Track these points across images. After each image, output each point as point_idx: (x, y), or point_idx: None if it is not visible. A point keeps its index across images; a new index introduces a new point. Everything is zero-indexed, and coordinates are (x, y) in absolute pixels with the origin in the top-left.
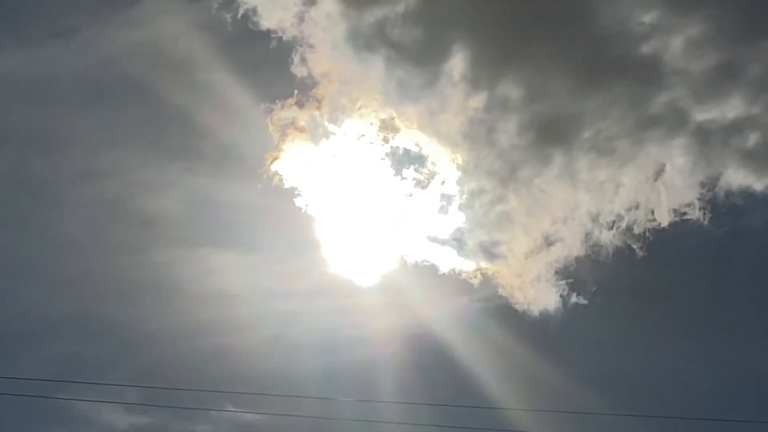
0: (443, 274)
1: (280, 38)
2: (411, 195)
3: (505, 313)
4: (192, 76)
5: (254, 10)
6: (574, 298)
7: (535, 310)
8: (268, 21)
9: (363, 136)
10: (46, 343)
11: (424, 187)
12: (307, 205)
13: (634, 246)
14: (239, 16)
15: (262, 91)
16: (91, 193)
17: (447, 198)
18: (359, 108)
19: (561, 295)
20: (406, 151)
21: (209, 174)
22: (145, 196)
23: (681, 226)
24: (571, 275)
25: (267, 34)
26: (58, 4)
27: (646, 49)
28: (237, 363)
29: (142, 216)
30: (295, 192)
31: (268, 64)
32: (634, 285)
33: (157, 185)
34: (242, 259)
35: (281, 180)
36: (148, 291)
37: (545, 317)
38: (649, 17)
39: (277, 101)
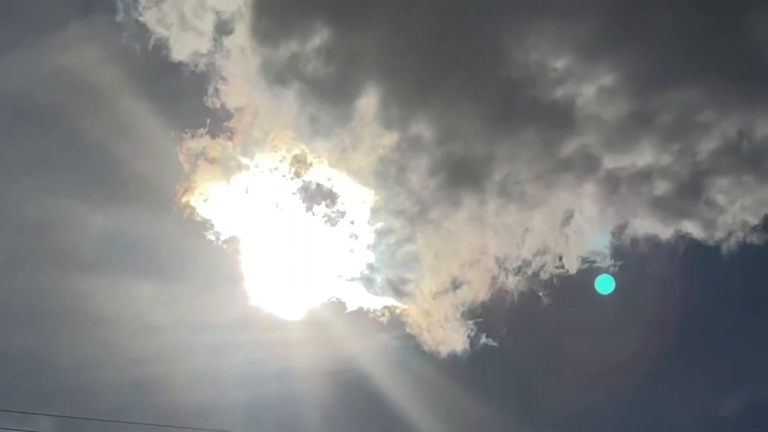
0: (355, 310)
1: (193, 71)
2: (322, 231)
3: (419, 352)
4: (110, 105)
5: (166, 42)
6: (483, 339)
7: (444, 350)
8: (179, 53)
9: (275, 169)
10: None
11: (333, 224)
12: (221, 238)
13: (540, 292)
14: (150, 47)
15: (178, 122)
16: (9, 217)
17: (356, 235)
18: (272, 141)
19: (469, 336)
20: (318, 186)
21: (127, 203)
22: (63, 223)
23: (589, 273)
24: (481, 316)
25: (179, 66)
26: None
27: (557, 94)
28: (156, 395)
29: (62, 243)
30: (208, 224)
31: (183, 96)
32: (542, 329)
33: (76, 212)
34: (161, 290)
35: (193, 212)
36: (65, 318)
37: (453, 358)
38: (561, 63)
39: (187, 130)
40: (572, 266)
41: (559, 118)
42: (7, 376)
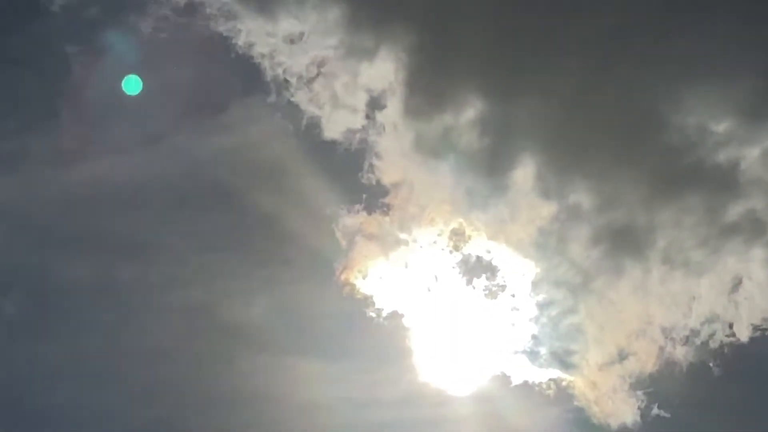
0: (521, 384)
1: (347, 148)
2: (483, 304)
3: (588, 425)
4: (267, 185)
5: (319, 120)
6: (655, 410)
7: (614, 423)
8: (332, 131)
9: (434, 243)
10: None
11: (494, 297)
12: (382, 315)
13: (711, 363)
14: (303, 126)
15: (334, 198)
16: (177, 301)
17: (518, 308)
18: (429, 215)
19: (640, 408)
20: (478, 259)
21: (291, 281)
22: (230, 304)
23: (762, 341)
24: (650, 386)
25: (333, 144)
26: (146, 111)
27: (720, 158)
28: None
29: (228, 324)
30: (369, 301)
31: (338, 173)
32: (716, 400)
33: (241, 293)
34: (328, 367)
35: (354, 289)
36: (234, 400)
37: (624, 430)
38: (722, 126)
39: (343, 206)
40: (743, 334)
41: (723, 183)
42: None
